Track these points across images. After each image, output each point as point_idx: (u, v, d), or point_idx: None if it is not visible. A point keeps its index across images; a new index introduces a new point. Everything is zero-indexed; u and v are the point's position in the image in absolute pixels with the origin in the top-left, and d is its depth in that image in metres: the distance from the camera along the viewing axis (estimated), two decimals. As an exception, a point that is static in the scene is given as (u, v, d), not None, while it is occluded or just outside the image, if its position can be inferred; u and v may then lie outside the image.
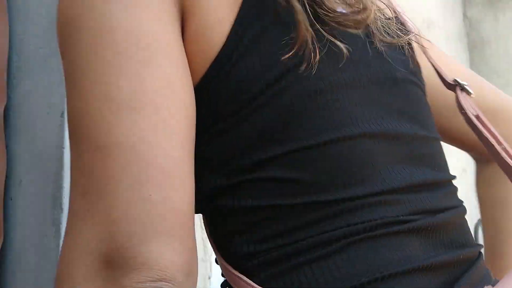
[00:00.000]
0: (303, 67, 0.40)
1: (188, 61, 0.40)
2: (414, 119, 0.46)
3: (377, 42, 0.44)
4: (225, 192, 0.42)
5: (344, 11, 0.42)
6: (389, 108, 0.44)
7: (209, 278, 1.75)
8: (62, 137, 1.26)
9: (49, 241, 1.28)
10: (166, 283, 0.32)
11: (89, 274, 0.32)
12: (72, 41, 0.38)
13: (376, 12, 0.44)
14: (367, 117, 0.42)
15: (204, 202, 0.43)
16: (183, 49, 0.39)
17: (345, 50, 0.41)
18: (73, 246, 0.34)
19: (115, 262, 0.32)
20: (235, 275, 0.41)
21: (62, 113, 1.25)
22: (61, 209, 1.29)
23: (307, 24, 0.39)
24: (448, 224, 0.44)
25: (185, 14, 0.40)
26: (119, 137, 0.34)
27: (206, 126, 0.41)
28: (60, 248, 1.34)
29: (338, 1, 0.42)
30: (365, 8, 0.42)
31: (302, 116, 0.41)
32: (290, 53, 0.39)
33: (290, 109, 0.41)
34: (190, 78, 0.39)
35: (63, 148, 1.26)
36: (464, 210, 0.47)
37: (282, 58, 0.39)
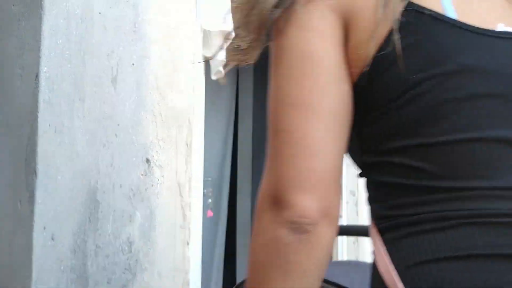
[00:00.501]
0: (443, 77, 0.52)
1: (349, 66, 0.55)
2: None
3: None
4: (373, 168, 0.58)
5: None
6: None
7: (188, 244, 1.77)
8: (36, 101, 1.22)
9: (23, 207, 1.26)
10: (304, 218, 0.52)
11: (267, 206, 0.54)
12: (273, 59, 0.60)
13: None
14: (500, 123, 0.52)
15: (363, 172, 0.60)
16: (342, 61, 0.55)
17: (483, 62, 0.53)
18: (261, 188, 0.56)
19: (277, 202, 0.53)
20: (373, 232, 0.58)
21: (37, 76, 1.21)
22: (35, 174, 1.26)
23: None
24: None
25: (347, 35, 0.55)
26: (285, 125, 0.54)
27: (363, 115, 0.56)
28: (34, 215, 1.27)
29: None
30: None
31: (439, 117, 0.52)
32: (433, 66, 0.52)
33: (428, 110, 0.53)
34: (345, 83, 0.55)
35: (38, 112, 1.22)
36: None
37: (426, 68, 0.52)
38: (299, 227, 0.52)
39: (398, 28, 0.52)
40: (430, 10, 0.52)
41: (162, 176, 1.61)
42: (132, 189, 1.53)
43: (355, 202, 2.30)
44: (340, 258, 2.25)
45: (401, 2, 0.53)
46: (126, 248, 1.50)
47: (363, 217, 2.28)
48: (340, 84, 0.54)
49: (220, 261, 3.32)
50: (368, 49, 0.53)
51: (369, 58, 0.53)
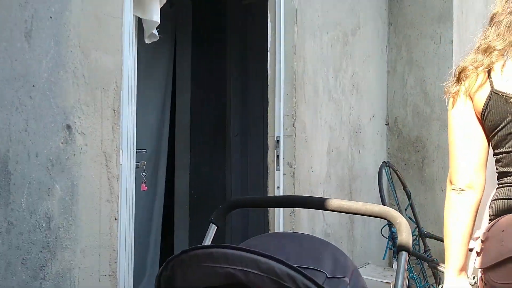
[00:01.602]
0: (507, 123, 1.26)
1: (475, 113, 1.29)
2: None
3: None
4: (495, 161, 1.32)
5: None
6: None
7: (116, 219, 1.62)
8: None
9: None
10: (457, 189, 1.28)
11: (448, 183, 1.33)
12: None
13: None
14: None
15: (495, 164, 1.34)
16: (474, 115, 1.30)
17: None
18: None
19: (450, 181, 1.31)
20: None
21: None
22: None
23: None
24: None
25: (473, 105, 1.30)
26: (453, 146, 1.33)
27: (489, 136, 1.30)
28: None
29: None
30: None
31: (506, 140, 1.26)
32: None
33: (503, 138, 1.26)
34: (479, 127, 1.30)
35: None
36: None
37: (499, 119, 1.26)
38: (457, 190, 1.27)
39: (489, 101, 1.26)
40: (498, 91, 1.24)
41: (86, 145, 1.45)
42: (50, 159, 1.36)
43: (292, 174, 2.26)
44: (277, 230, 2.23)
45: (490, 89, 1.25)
46: (44, 224, 1.34)
47: (299, 189, 2.26)
48: (477, 129, 1.29)
49: (157, 237, 3.20)
50: (480, 107, 1.27)
51: (481, 109, 1.26)
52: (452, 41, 2.88)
